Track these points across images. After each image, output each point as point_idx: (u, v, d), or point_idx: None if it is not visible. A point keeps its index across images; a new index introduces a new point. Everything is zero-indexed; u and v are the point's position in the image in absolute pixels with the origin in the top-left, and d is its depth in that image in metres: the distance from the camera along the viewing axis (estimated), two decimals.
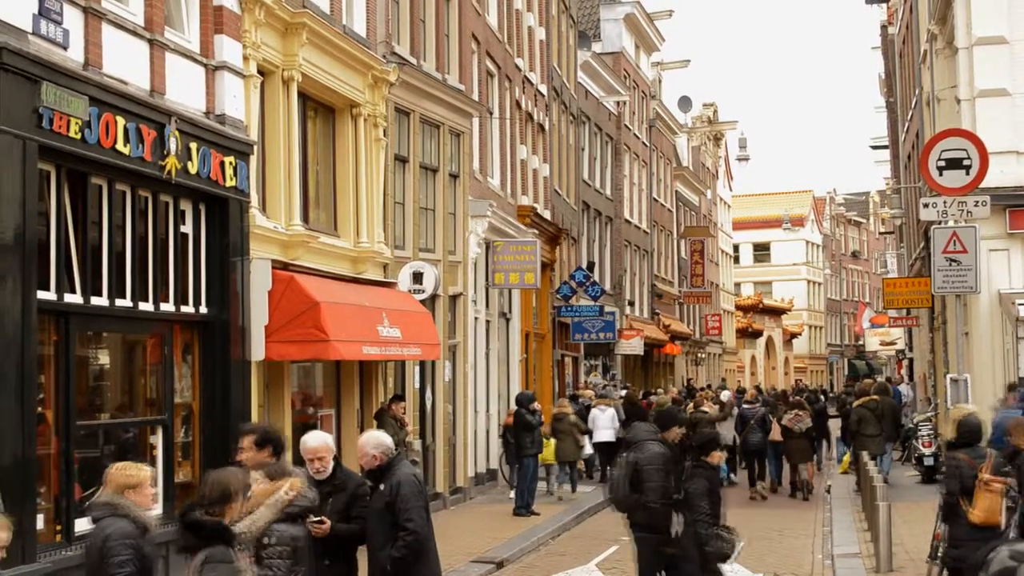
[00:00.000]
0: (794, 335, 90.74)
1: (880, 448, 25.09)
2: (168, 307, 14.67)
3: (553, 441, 25.92)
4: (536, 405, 24.71)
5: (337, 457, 10.25)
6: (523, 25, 33.33)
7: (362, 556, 10.10)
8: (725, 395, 33.67)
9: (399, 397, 21.29)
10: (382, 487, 9.76)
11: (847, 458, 29.52)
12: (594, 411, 29.35)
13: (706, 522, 12.02)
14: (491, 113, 29.59)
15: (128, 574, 7.64)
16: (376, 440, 10.04)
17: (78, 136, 12.40)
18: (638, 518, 12.51)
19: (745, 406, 29.68)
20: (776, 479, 28.61)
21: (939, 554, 13.83)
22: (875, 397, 26.33)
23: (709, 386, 50.06)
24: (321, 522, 9.46)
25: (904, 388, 41.89)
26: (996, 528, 11.81)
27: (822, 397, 43.22)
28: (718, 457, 12.62)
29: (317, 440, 10.12)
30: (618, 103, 46.78)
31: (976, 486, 11.88)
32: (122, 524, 7.76)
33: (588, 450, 28.69)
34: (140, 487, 8.02)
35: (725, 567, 12.69)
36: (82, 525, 12.91)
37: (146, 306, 14.17)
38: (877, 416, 25.53)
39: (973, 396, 17.89)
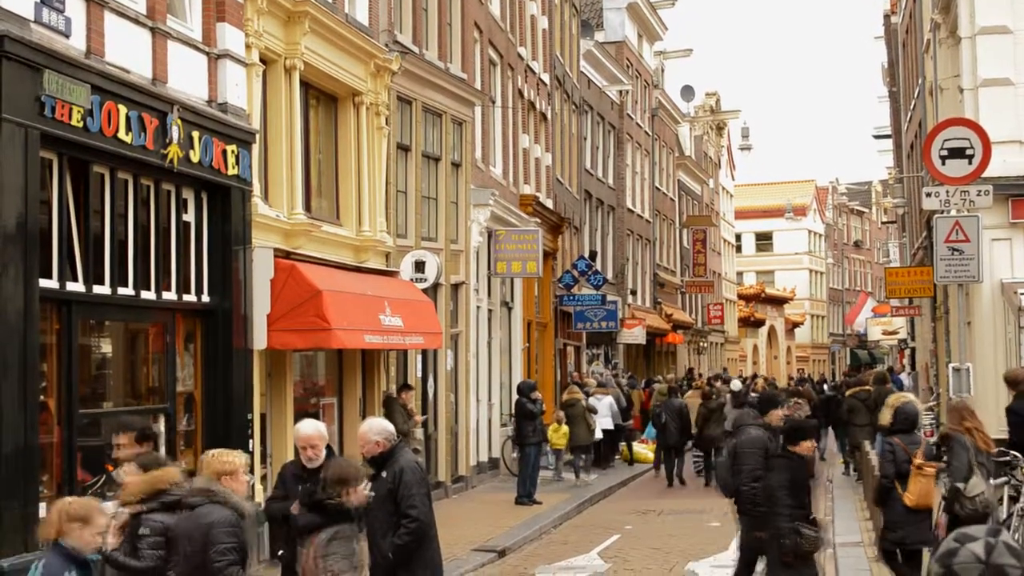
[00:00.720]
0: (796, 324, 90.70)
1: (869, 437, 24.40)
2: (170, 296, 14.68)
3: (564, 427, 26.23)
4: (537, 394, 24.74)
5: (330, 446, 10.28)
6: (526, 14, 33.30)
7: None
8: (736, 384, 33.77)
9: (407, 386, 21.33)
10: (384, 474, 9.77)
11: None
12: (591, 400, 29.37)
13: (784, 515, 11.43)
14: (493, 102, 29.58)
15: (232, 561, 7.94)
16: (379, 427, 10.03)
17: (80, 124, 12.40)
18: (740, 504, 12.72)
19: (752, 395, 28.92)
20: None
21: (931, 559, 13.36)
22: (867, 387, 26.41)
23: (711, 376, 49.99)
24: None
25: (905, 378, 41.86)
26: (929, 511, 12.49)
27: (825, 386, 43.31)
28: (807, 447, 11.67)
29: (310, 428, 10.16)
30: (621, 92, 46.74)
31: (910, 471, 12.41)
32: (225, 512, 8.08)
33: (599, 434, 28.96)
34: (235, 474, 8.37)
35: (726, 557, 12.67)
36: None
37: (148, 295, 14.18)
38: (868, 406, 25.21)
39: (975, 385, 17.86)
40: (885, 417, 13.76)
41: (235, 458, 8.49)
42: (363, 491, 9.26)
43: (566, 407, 27.42)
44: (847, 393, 27.56)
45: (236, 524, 8.08)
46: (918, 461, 12.45)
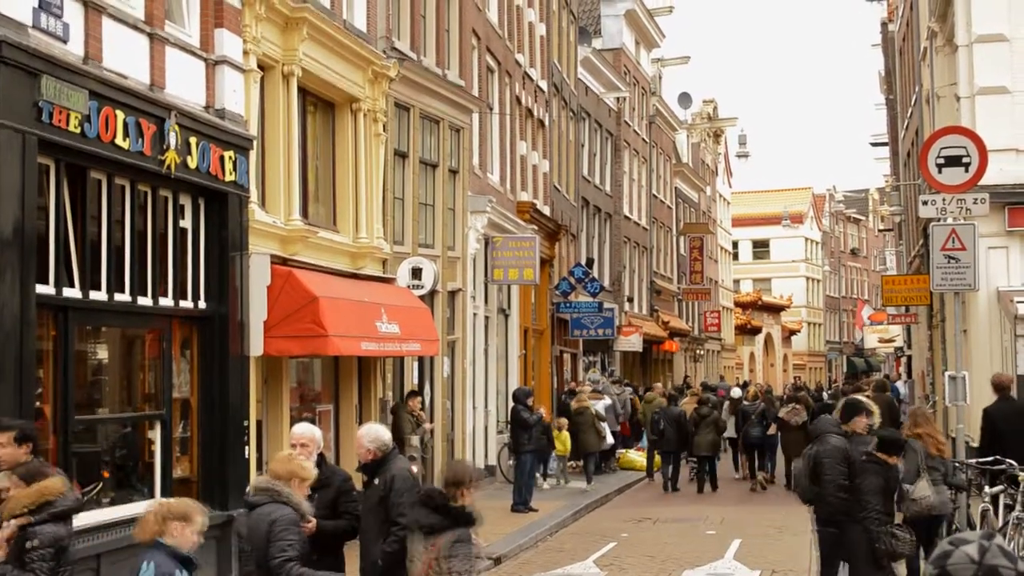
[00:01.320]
0: (793, 332, 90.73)
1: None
2: (167, 302, 14.66)
3: (564, 434, 26.83)
4: (541, 408, 24.79)
5: (322, 453, 10.27)
6: (524, 21, 33.32)
7: (352, 550, 10.13)
8: (736, 392, 34.22)
9: (415, 392, 21.36)
10: (376, 481, 9.80)
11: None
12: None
13: (877, 519, 11.74)
14: (491, 109, 29.58)
15: (290, 557, 8.32)
16: (373, 434, 10.08)
17: (78, 130, 12.38)
18: (820, 511, 12.66)
19: (745, 402, 30.42)
20: (773, 471, 29.39)
21: (929, 567, 13.55)
22: (867, 392, 26.10)
23: (704, 383, 49.97)
24: (307, 521, 9.49)
25: (902, 385, 41.90)
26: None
27: (824, 394, 43.41)
28: (896, 459, 12.08)
29: (305, 428, 10.25)
30: (618, 99, 46.78)
31: None
32: (287, 510, 8.55)
33: (610, 440, 29.14)
34: (306, 481, 8.85)
35: (723, 565, 12.69)
36: (80, 520, 12.90)
37: (145, 301, 14.16)
38: None
39: (971, 393, 17.88)
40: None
41: (302, 465, 8.90)
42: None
43: (576, 415, 27.85)
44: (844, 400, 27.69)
45: (297, 523, 8.52)
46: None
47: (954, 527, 14.61)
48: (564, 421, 27.25)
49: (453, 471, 9.34)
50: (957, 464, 15.91)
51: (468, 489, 8.99)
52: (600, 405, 30.07)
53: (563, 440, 27.14)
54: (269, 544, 8.35)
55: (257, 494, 8.68)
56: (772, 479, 29.16)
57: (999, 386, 16.93)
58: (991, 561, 3.64)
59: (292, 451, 9.37)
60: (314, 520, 9.55)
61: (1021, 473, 15.12)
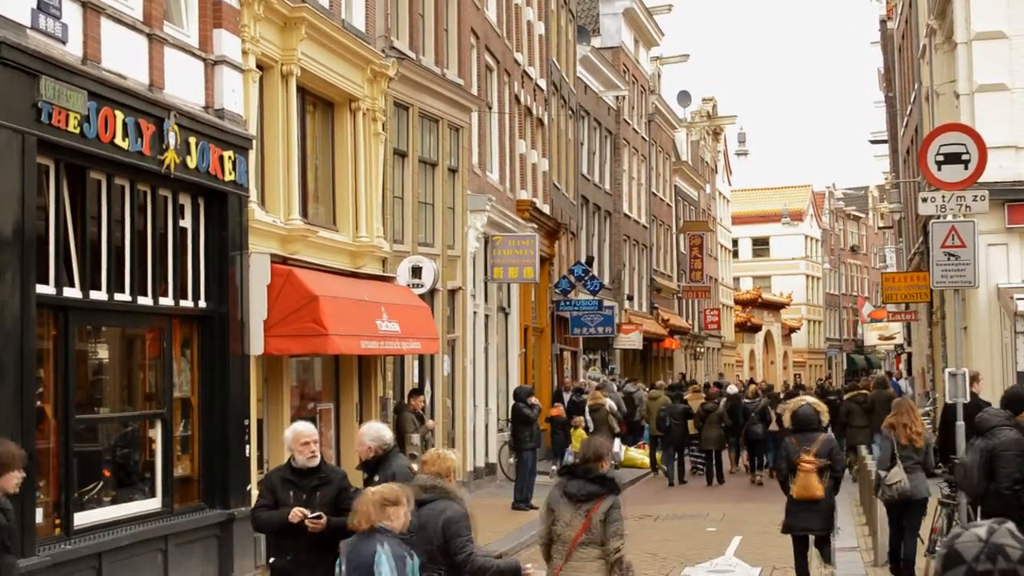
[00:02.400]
0: (793, 329, 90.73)
1: (867, 439, 25.95)
2: (167, 301, 14.68)
3: (582, 431, 27.02)
4: (534, 399, 24.77)
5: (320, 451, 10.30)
6: (522, 20, 33.33)
7: None
8: (732, 389, 35.07)
9: (417, 391, 21.38)
10: (376, 479, 9.83)
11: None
12: (564, 393, 30.67)
13: None
14: (490, 107, 29.59)
15: (471, 549, 8.77)
16: (374, 432, 10.13)
17: (77, 131, 12.40)
18: (989, 506, 12.41)
19: (746, 400, 31.17)
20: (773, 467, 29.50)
21: (937, 547, 14.14)
22: (863, 391, 28.37)
23: (707, 381, 50.07)
24: (319, 517, 9.56)
25: (903, 383, 41.92)
26: (813, 501, 14.24)
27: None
28: None
29: (308, 426, 10.23)
30: (617, 98, 46.77)
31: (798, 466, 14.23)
32: (457, 506, 8.92)
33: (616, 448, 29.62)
34: (454, 473, 9.24)
35: (723, 562, 12.74)
36: (81, 519, 12.95)
37: (145, 300, 14.17)
38: (865, 409, 27.13)
39: (971, 390, 17.90)
40: (785, 419, 15.89)
41: (454, 461, 9.35)
42: (308, 521, 9.46)
43: (591, 411, 28.67)
44: (845, 397, 29.30)
45: (467, 516, 8.93)
46: (803, 458, 14.20)
47: (954, 523, 14.65)
48: (580, 420, 27.61)
49: (593, 447, 10.36)
50: (957, 460, 15.93)
51: (606, 461, 10.21)
52: (608, 403, 30.37)
53: (579, 437, 27.26)
54: (448, 540, 8.70)
55: (425, 492, 8.93)
56: (772, 474, 29.43)
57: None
58: (998, 540, 3.71)
59: (444, 452, 9.65)
60: (325, 517, 9.60)
61: None
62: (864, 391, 28.62)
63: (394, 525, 8.03)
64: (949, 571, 3.76)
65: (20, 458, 8.87)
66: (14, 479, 8.70)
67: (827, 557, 15.20)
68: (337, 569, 8.25)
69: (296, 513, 9.62)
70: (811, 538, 14.97)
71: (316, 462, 9.93)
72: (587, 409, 28.89)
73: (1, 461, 8.60)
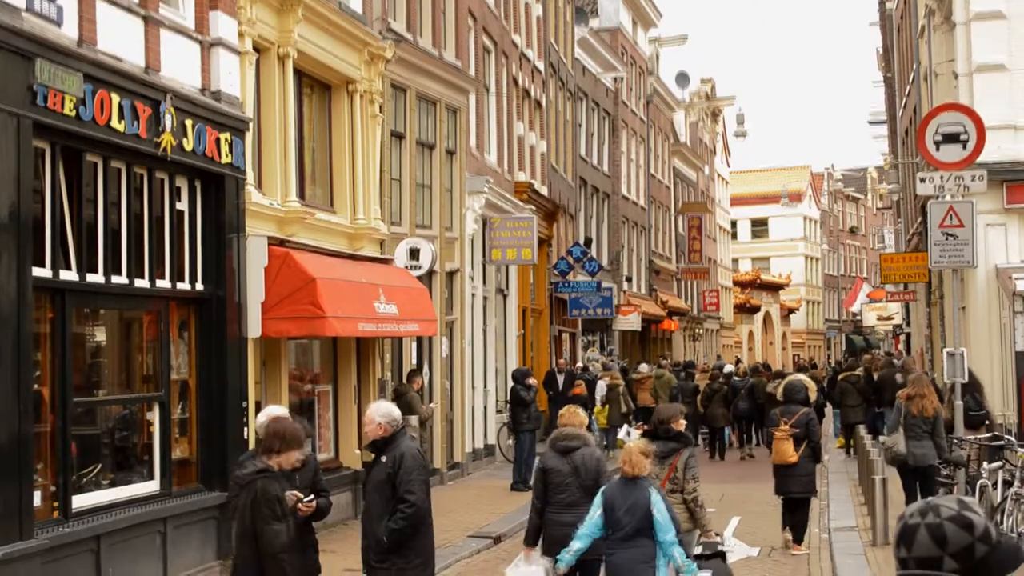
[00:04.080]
0: (792, 310, 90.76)
1: (860, 416, 28.30)
2: (164, 284, 14.66)
3: (606, 407, 29.70)
4: (532, 380, 24.77)
5: None
6: (520, 1, 33.25)
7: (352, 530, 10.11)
8: (728, 368, 37.08)
9: (416, 371, 21.39)
10: (383, 459, 9.77)
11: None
12: (600, 383, 30.94)
13: None
14: (488, 89, 29.55)
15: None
16: (384, 410, 10.03)
17: (73, 113, 12.37)
18: None
19: (735, 378, 33.67)
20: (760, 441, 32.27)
21: None
22: (857, 372, 30.29)
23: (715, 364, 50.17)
24: (311, 501, 9.51)
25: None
26: (789, 466, 16.04)
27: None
28: None
29: (286, 412, 10.16)
30: (615, 79, 46.71)
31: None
32: (599, 451, 11.59)
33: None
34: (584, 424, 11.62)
35: (724, 544, 13.02)
36: (79, 502, 12.95)
37: (142, 283, 14.16)
38: (858, 389, 29.05)
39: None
40: (778, 392, 17.79)
41: (584, 416, 11.79)
42: (300, 505, 9.44)
43: (608, 390, 30.24)
44: (839, 377, 30.94)
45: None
46: (778, 428, 16.09)
47: None
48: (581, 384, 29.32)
49: (666, 411, 12.40)
50: (955, 440, 15.96)
51: (678, 420, 12.05)
52: (599, 384, 30.71)
53: (603, 413, 29.84)
54: (599, 475, 11.01)
55: (569, 440, 11.18)
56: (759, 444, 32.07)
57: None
58: (938, 501, 3.72)
59: (576, 408, 12.11)
60: (316, 500, 9.58)
61: (1020, 450, 15.17)
62: (856, 372, 30.41)
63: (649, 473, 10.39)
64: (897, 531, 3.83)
65: (303, 437, 9.45)
66: (294, 456, 9.21)
67: (799, 522, 16.69)
68: (595, 511, 10.16)
69: (291, 496, 9.53)
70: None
71: None
72: (606, 387, 30.37)
73: (285, 438, 9.12)
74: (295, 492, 9.55)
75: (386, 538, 9.61)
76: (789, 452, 15.99)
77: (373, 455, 10.01)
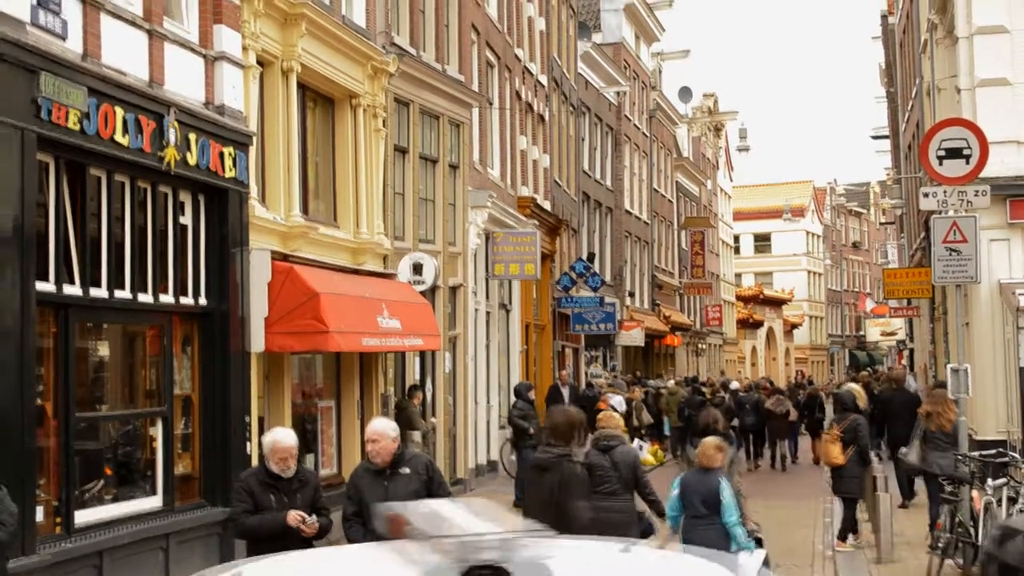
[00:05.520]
0: (795, 326, 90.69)
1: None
2: (167, 299, 14.64)
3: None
4: (533, 395, 24.72)
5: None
6: (523, 15, 33.28)
7: None
8: (734, 384, 37.96)
9: (416, 387, 21.35)
10: (405, 470, 9.75)
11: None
12: (617, 398, 30.67)
13: None
14: (491, 104, 29.55)
15: (648, 480, 12.26)
16: (393, 425, 10.09)
17: (77, 127, 12.37)
18: None
19: (741, 394, 34.61)
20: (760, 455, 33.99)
21: (940, 544, 14.30)
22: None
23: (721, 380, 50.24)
24: (314, 521, 9.48)
25: (908, 379, 41.92)
26: (838, 467, 17.35)
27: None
28: None
29: (291, 439, 9.98)
30: (618, 93, 46.72)
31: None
32: (635, 450, 12.94)
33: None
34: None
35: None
36: (82, 517, 12.92)
37: (145, 297, 14.14)
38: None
39: (973, 386, 17.89)
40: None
41: (620, 419, 13.25)
42: (302, 526, 9.49)
43: (628, 404, 30.68)
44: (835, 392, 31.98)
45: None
46: (827, 432, 17.83)
47: (956, 519, 14.65)
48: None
49: (710, 415, 14.69)
50: (959, 457, 15.92)
51: (720, 422, 14.14)
52: (615, 400, 30.61)
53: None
54: (636, 470, 12.53)
55: (609, 439, 12.58)
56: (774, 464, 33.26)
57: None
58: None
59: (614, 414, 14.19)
60: (317, 521, 9.54)
61: None
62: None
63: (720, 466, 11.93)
64: (1006, 544, 3.87)
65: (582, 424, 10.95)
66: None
67: (845, 519, 17.81)
68: (673, 492, 11.91)
69: (295, 516, 9.47)
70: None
71: (290, 474, 9.75)
72: (626, 403, 30.70)
73: (572, 424, 10.53)
74: (299, 512, 9.50)
75: None
76: (835, 454, 17.17)
77: (378, 471, 9.85)
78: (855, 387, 19.78)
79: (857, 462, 17.37)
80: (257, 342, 15.98)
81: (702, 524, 11.60)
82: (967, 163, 16.78)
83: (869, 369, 58.16)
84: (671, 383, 39.53)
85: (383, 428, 9.94)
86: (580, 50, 41.39)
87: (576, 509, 9.92)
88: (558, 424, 10.54)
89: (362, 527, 9.69)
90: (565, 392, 30.35)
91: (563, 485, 10.06)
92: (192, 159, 14.57)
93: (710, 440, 12.20)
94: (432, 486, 9.77)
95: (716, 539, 11.28)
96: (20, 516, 11.07)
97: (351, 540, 9.68)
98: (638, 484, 12.57)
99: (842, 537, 17.85)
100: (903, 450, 18.03)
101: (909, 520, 18.67)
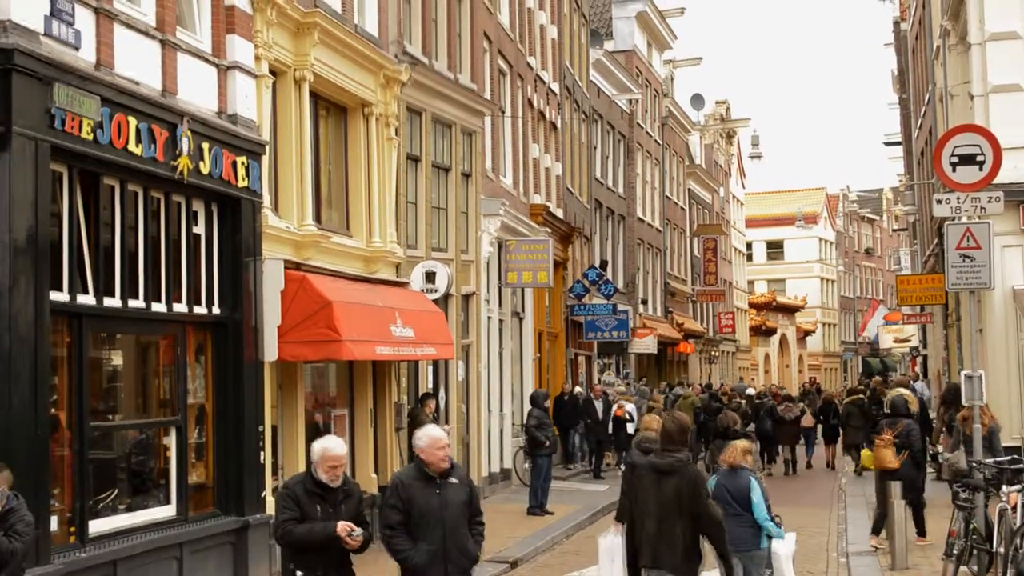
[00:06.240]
0: (808, 333, 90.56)
1: (863, 437, 29.19)
2: (181, 308, 14.66)
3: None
4: (547, 404, 24.73)
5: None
6: (535, 23, 33.30)
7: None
8: (750, 391, 39.42)
9: (429, 395, 21.35)
10: (454, 480, 9.74)
11: (866, 453, 30.56)
12: (630, 406, 31.85)
13: None
14: (503, 112, 29.57)
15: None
16: (443, 432, 10.07)
17: (90, 137, 12.39)
18: None
19: (756, 401, 35.45)
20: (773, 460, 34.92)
21: (955, 551, 14.28)
22: (861, 395, 32.37)
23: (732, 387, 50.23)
24: (359, 535, 9.42)
25: (919, 385, 41.82)
26: (888, 471, 17.35)
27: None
28: None
29: (341, 448, 9.87)
30: (630, 101, 46.73)
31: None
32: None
33: None
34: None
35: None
36: (96, 526, 12.94)
37: (159, 307, 14.16)
38: (863, 411, 30.72)
39: (988, 392, 17.86)
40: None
41: (660, 423, 12.49)
42: (349, 537, 9.44)
43: (649, 410, 30.40)
44: (845, 400, 33.38)
45: None
46: (880, 437, 17.68)
47: (971, 526, 14.62)
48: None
49: (728, 418, 16.64)
50: (974, 464, 15.89)
51: (738, 423, 15.75)
52: (630, 407, 31.07)
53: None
54: (696, 489, 11.67)
55: (650, 442, 12.44)
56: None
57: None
58: None
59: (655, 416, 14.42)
60: (361, 533, 9.48)
61: None
62: (862, 395, 32.42)
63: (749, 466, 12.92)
64: None
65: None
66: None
67: (916, 519, 17.96)
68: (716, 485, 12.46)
69: (344, 527, 9.37)
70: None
71: (339, 483, 9.68)
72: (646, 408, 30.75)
73: (685, 429, 10.91)
74: (347, 524, 9.40)
75: (472, 559, 9.84)
76: (888, 458, 17.38)
77: (429, 479, 9.73)
78: (907, 392, 19.95)
79: (911, 466, 17.64)
80: (270, 351, 16.00)
81: (735, 520, 12.33)
82: (980, 169, 16.77)
83: (879, 376, 58.11)
84: (687, 389, 39.98)
85: (436, 436, 9.87)
86: (592, 58, 41.41)
87: (712, 508, 10.64)
88: (672, 430, 10.82)
89: (409, 537, 9.59)
90: (599, 405, 30.47)
91: (693, 487, 10.50)
92: (205, 168, 14.60)
93: (739, 442, 13.11)
94: (473, 497, 9.88)
95: (748, 533, 12.57)
96: (34, 525, 11.10)
97: (396, 551, 9.63)
98: None
99: (921, 532, 18.26)
100: (946, 455, 18.41)
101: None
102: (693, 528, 10.45)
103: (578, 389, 33.83)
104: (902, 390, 20.29)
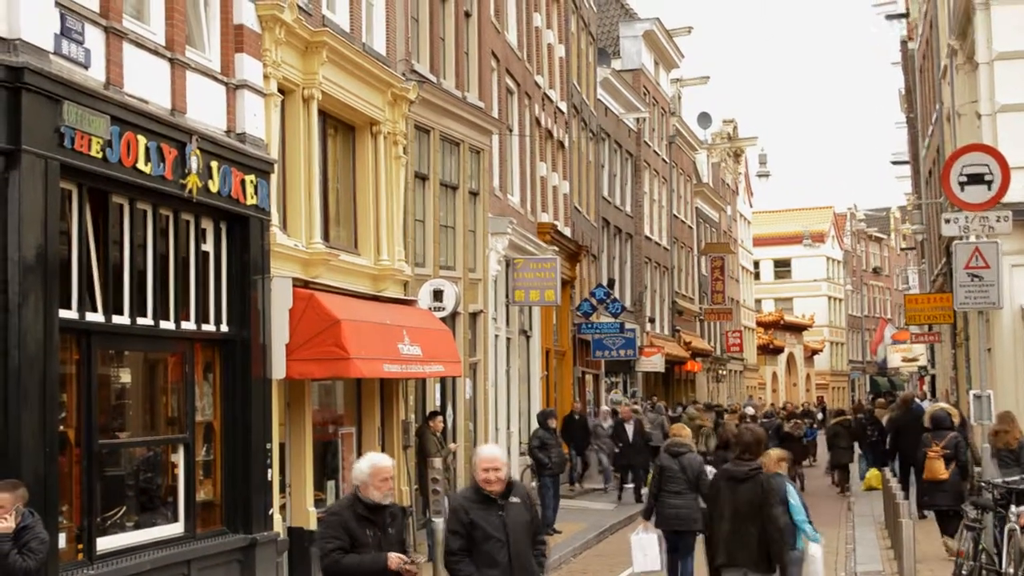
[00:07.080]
0: (815, 351, 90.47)
1: (849, 458, 32.33)
2: (189, 325, 14.67)
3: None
4: (554, 422, 24.69)
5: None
6: (543, 42, 33.37)
7: None
8: (749, 410, 38.47)
9: (436, 413, 21.34)
10: (515, 499, 9.48)
11: (873, 472, 30.43)
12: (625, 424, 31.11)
13: None
14: (511, 130, 29.61)
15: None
16: (502, 453, 9.82)
17: (100, 155, 12.42)
18: None
19: (763, 419, 35.75)
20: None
21: (963, 572, 14.24)
22: (848, 416, 33.88)
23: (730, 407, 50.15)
24: (413, 563, 9.12)
25: (926, 404, 41.78)
26: (940, 482, 18.19)
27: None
28: None
29: (389, 460, 9.57)
30: (638, 120, 46.80)
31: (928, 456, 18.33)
32: (699, 457, 15.68)
33: None
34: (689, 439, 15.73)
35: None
36: (104, 544, 12.93)
37: (167, 324, 14.18)
38: (850, 432, 32.07)
39: (996, 412, 17.83)
40: (925, 421, 19.78)
41: (689, 431, 15.48)
42: (406, 567, 9.14)
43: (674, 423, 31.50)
44: (832, 421, 34.62)
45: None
46: (931, 449, 18.26)
47: (980, 547, 14.57)
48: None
49: (728, 431, 17.47)
50: (983, 484, 15.85)
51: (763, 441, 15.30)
52: (631, 426, 30.91)
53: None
54: (699, 476, 15.18)
55: (679, 447, 15.31)
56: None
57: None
58: None
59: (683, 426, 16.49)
60: (415, 562, 9.22)
61: None
62: (848, 416, 33.83)
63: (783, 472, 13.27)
64: None
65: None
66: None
67: (951, 532, 17.94)
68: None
69: (396, 559, 9.01)
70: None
71: (390, 499, 9.33)
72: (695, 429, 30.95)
73: (760, 441, 12.17)
74: (399, 556, 9.07)
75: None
76: (941, 469, 18.11)
77: (491, 501, 9.46)
78: (948, 406, 21.05)
79: (958, 475, 18.31)
80: (278, 369, 16.00)
81: None
82: (989, 189, 16.76)
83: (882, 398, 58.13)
84: (691, 409, 39.80)
85: (495, 455, 9.61)
86: (600, 76, 41.48)
87: (777, 514, 11.64)
88: (748, 442, 11.98)
89: (472, 563, 9.27)
90: (629, 428, 30.21)
91: (766, 493, 11.59)
92: (214, 187, 14.63)
93: (774, 451, 13.63)
94: (535, 517, 9.64)
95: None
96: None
97: None
98: (699, 486, 14.99)
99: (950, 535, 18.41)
100: (978, 469, 18.67)
101: (931, 546, 18.56)
102: (765, 530, 11.51)
103: (604, 408, 33.81)
104: (943, 404, 21.29)
